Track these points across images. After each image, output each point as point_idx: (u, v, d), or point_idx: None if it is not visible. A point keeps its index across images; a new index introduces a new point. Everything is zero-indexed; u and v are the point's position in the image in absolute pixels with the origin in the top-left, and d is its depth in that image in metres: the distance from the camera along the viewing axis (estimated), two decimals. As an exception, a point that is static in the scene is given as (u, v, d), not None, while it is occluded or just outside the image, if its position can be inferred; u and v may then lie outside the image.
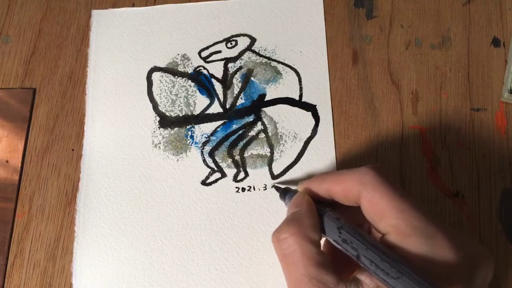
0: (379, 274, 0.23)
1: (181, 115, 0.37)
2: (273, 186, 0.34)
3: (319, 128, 0.36)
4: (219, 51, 0.38)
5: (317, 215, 0.27)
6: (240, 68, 0.38)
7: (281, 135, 0.36)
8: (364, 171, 0.26)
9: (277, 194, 0.33)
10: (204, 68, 0.38)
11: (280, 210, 0.34)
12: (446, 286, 0.22)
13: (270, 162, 0.35)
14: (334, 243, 0.26)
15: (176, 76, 0.38)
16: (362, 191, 0.26)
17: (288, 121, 0.36)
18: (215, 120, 0.36)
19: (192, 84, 0.38)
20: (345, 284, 0.24)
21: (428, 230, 0.24)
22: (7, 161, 0.36)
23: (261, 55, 0.38)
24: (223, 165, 0.35)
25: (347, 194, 0.27)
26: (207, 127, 0.36)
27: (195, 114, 0.37)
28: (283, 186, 0.33)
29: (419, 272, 0.22)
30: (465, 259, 0.23)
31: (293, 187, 0.32)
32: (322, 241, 0.27)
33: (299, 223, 0.26)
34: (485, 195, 0.33)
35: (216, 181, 0.35)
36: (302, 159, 0.35)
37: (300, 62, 0.37)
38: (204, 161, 0.35)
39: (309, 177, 0.34)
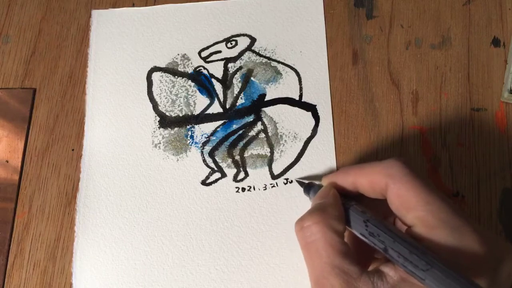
0: (408, 267, 0.23)
1: (181, 115, 0.37)
2: (296, 180, 0.34)
3: (319, 128, 0.36)
4: (219, 51, 0.38)
5: (342, 207, 0.27)
6: (240, 68, 0.38)
7: (281, 135, 0.36)
8: (391, 163, 0.26)
9: (277, 194, 0.33)
10: (204, 68, 0.38)
11: (280, 210, 0.34)
12: (473, 277, 0.22)
13: (270, 162, 0.35)
14: (360, 236, 0.26)
15: (176, 76, 0.38)
16: (389, 183, 0.26)
17: (288, 121, 0.36)
18: (215, 120, 0.36)
19: (192, 84, 0.38)
20: (368, 275, 0.24)
21: (455, 222, 0.24)
22: (7, 161, 0.36)
23: (261, 55, 0.38)
24: (223, 165, 0.35)
25: (373, 186, 0.27)
26: (207, 127, 0.36)
27: (195, 114, 0.37)
28: (306, 181, 0.33)
29: (448, 263, 0.22)
30: (491, 251, 0.23)
31: (316, 182, 0.32)
32: (346, 236, 0.27)
33: (323, 212, 0.26)
34: (485, 195, 0.33)
35: (216, 181, 0.35)
36: (302, 159, 0.35)
37: (300, 62, 0.37)
38: (204, 161, 0.35)
39: (309, 177, 0.34)
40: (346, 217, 0.27)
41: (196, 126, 0.36)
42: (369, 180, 0.27)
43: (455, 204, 0.33)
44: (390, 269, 0.24)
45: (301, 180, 0.34)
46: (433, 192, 0.25)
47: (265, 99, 0.37)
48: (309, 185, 0.32)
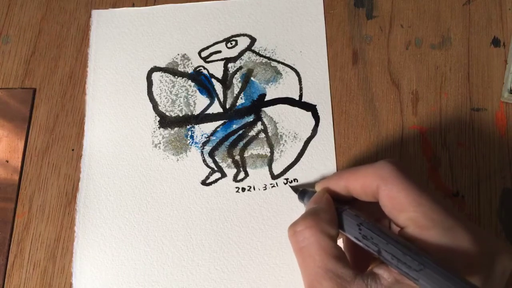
0: (402, 268, 0.23)
1: (181, 115, 0.37)
2: (291, 187, 0.34)
3: (319, 128, 0.36)
4: (219, 51, 0.38)
5: (335, 212, 0.27)
6: (240, 68, 0.38)
7: (281, 135, 0.36)
8: (382, 165, 0.26)
9: (277, 194, 0.33)
10: (204, 68, 0.38)
11: (280, 210, 0.34)
12: (467, 276, 0.22)
13: (270, 162, 0.35)
14: (354, 239, 0.26)
15: (176, 76, 0.38)
16: (381, 185, 0.26)
17: (288, 121, 0.36)
18: (215, 120, 0.36)
19: (192, 84, 0.38)
20: (362, 278, 0.24)
21: (447, 223, 0.24)
22: (7, 161, 0.36)
23: (261, 55, 0.38)
24: (223, 165, 0.35)
25: (365, 189, 0.27)
26: (207, 127, 0.36)
27: (195, 114, 0.37)
28: (300, 188, 0.33)
29: (441, 263, 0.22)
30: (484, 250, 0.23)
31: (310, 189, 0.32)
32: (340, 242, 0.27)
33: (316, 217, 0.26)
34: (485, 195, 0.33)
35: (216, 181, 0.35)
36: (302, 159, 0.35)
37: (300, 62, 0.37)
38: (204, 161, 0.35)
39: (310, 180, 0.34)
40: (339, 221, 0.27)
41: (196, 126, 0.36)
42: (361, 183, 0.27)
43: (454, 204, 0.33)
44: (384, 271, 0.24)
45: (295, 186, 0.34)
46: (425, 192, 0.25)
47: (265, 99, 0.37)
48: (303, 191, 0.32)
